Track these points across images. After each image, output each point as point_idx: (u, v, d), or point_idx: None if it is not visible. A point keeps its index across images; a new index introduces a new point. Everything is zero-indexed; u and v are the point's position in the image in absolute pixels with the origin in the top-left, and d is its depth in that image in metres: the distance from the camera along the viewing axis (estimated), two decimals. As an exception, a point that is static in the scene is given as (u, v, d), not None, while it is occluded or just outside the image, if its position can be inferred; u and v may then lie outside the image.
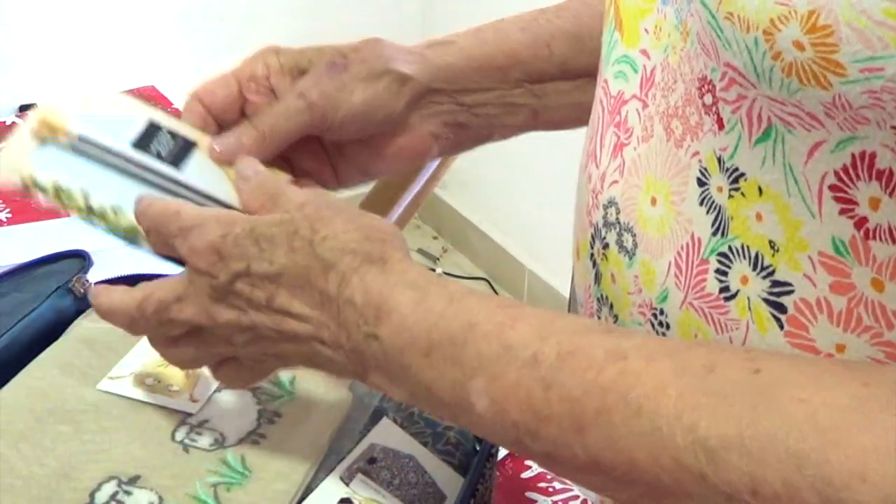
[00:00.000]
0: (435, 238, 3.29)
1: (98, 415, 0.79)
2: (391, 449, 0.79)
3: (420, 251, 3.23)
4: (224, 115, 0.86)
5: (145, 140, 0.84)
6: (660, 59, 0.70)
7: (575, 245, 0.84)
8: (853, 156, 0.58)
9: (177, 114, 0.85)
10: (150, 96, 1.51)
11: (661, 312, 0.72)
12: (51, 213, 1.25)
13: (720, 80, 0.62)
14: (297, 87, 0.85)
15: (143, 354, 0.84)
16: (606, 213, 0.76)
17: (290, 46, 0.87)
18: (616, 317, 0.76)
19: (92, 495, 0.72)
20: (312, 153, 0.90)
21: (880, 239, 0.59)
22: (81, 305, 0.89)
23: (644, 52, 0.72)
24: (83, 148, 0.80)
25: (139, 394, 0.80)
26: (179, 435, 0.77)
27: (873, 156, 0.57)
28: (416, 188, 1.76)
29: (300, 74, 0.86)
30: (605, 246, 0.77)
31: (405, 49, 0.89)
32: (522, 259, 2.99)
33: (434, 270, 3.16)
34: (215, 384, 0.81)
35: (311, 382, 0.82)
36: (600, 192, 0.77)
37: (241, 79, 0.86)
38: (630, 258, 0.74)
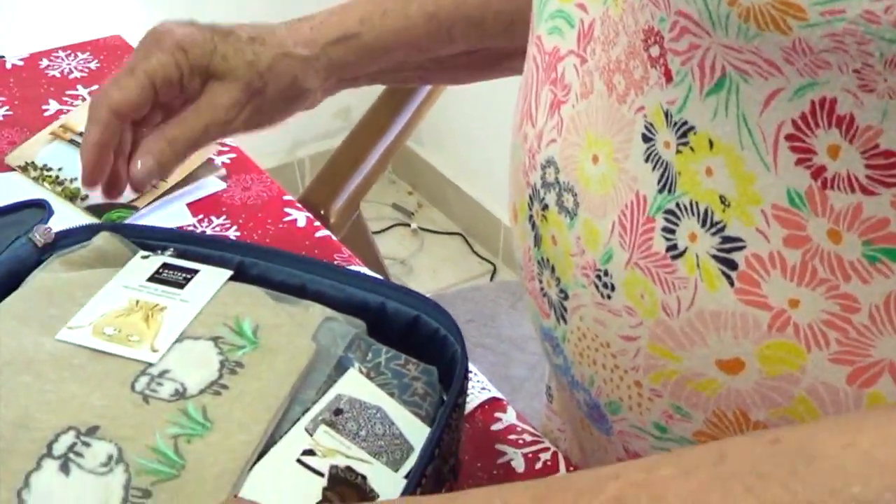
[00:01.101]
0: (410, 193, 3.28)
1: (56, 365, 0.76)
2: (358, 400, 0.77)
3: (395, 206, 3.21)
4: (139, 115, 0.89)
5: None
6: (599, 12, 0.69)
7: (512, 207, 0.82)
8: (812, 103, 0.57)
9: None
10: (116, 45, 1.49)
11: (606, 273, 0.71)
12: (9, 167, 1.23)
13: (669, 31, 0.61)
14: (219, 114, 0.88)
15: (103, 304, 0.82)
16: (545, 174, 0.75)
17: (193, 36, 0.89)
18: (558, 279, 0.75)
19: (49, 446, 0.70)
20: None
21: (838, 188, 0.59)
22: (42, 255, 0.87)
23: (581, 6, 0.71)
24: (78, 141, 1.02)
25: (99, 343, 0.78)
26: (139, 385, 0.75)
27: (833, 101, 0.57)
28: (387, 141, 1.75)
29: (210, 76, 0.89)
30: (545, 207, 0.75)
31: (312, 58, 0.92)
32: (498, 214, 2.98)
33: (409, 226, 3.16)
34: (177, 334, 0.79)
35: (274, 332, 0.80)
36: (537, 152, 0.76)
37: (155, 81, 0.87)
38: (571, 219, 0.73)
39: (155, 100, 0.88)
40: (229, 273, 0.85)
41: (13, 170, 1.21)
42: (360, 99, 2.18)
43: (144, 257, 0.86)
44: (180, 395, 0.75)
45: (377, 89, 1.73)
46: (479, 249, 3.06)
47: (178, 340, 0.79)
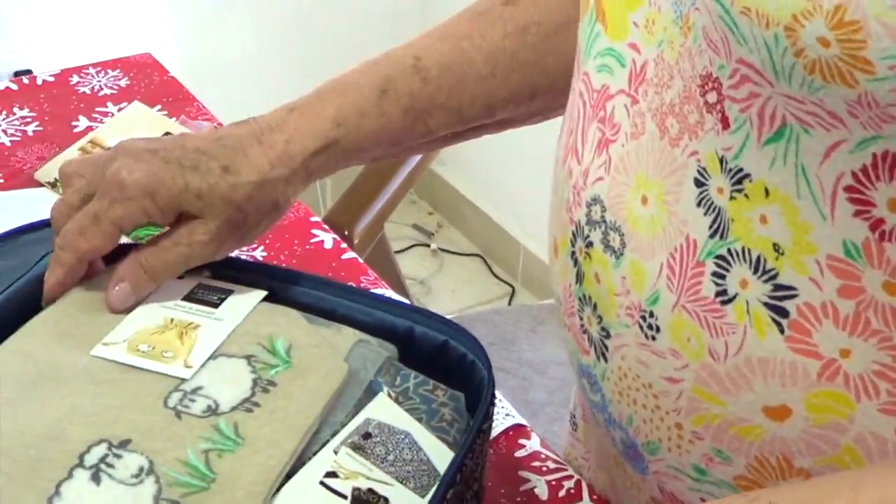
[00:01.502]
0: (430, 214, 3.28)
1: (90, 379, 0.76)
2: (387, 424, 0.77)
3: (415, 226, 3.20)
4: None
5: None
6: (653, 54, 0.68)
7: (552, 242, 0.82)
8: (874, 156, 0.57)
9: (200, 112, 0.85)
10: (146, 63, 1.49)
11: (651, 315, 0.70)
12: (38, 182, 1.24)
13: (729, 78, 0.61)
14: (196, 246, 0.83)
15: (138, 321, 0.82)
16: (590, 211, 0.75)
17: (157, 180, 0.82)
18: (600, 318, 0.75)
19: (81, 457, 0.71)
20: None
21: None
22: None
23: (633, 46, 0.71)
24: None
25: (133, 360, 0.78)
26: (172, 401, 0.75)
27: None
28: (411, 165, 1.75)
29: (182, 215, 0.83)
30: (589, 244, 0.75)
31: (291, 177, 0.86)
32: (517, 236, 2.98)
33: (429, 247, 3.16)
34: (211, 350, 0.79)
35: (307, 352, 0.80)
36: (583, 189, 0.75)
37: (123, 229, 0.82)
38: (617, 258, 0.72)
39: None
40: (263, 293, 0.85)
41: (42, 185, 1.22)
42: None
43: (180, 277, 0.86)
44: (212, 411, 0.75)
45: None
46: (499, 271, 3.06)
47: (213, 357, 0.79)
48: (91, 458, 0.71)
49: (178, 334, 0.81)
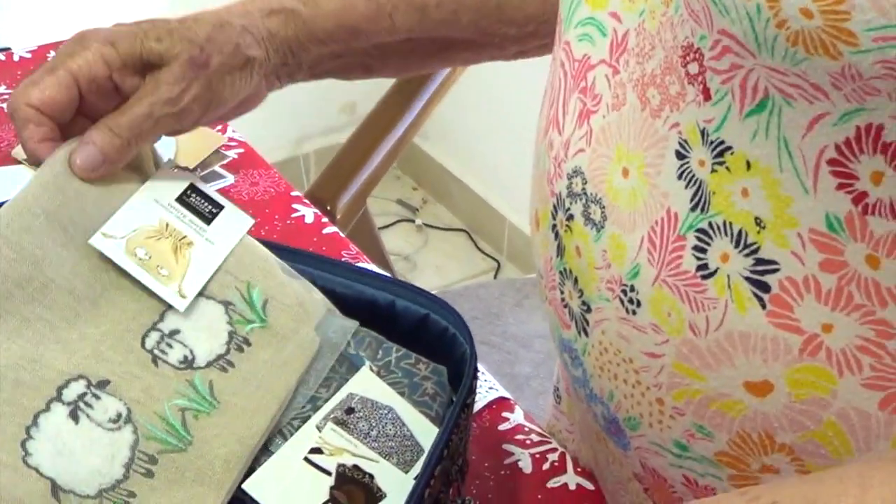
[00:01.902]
0: (415, 189, 3.26)
1: (71, 293, 0.74)
2: (370, 399, 0.77)
3: (399, 202, 3.19)
4: (63, 120, 0.79)
5: None
6: (634, 23, 0.67)
7: (533, 214, 0.81)
8: (858, 128, 0.56)
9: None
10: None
11: (632, 289, 0.70)
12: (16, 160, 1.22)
13: (710, 49, 0.60)
14: (165, 93, 0.79)
15: (135, 217, 0.79)
16: (571, 183, 0.74)
17: (119, 30, 0.80)
18: (581, 291, 0.74)
19: (59, 391, 0.71)
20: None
21: (880, 214, 0.58)
22: None
23: (614, 15, 0.70)
24: None
25: (130, 265, 0.76)
26: (150, 342, 0.75)
27: (880, 128, 0.56)
28: (394, 138, 1.74)
29: (145, 68, 0.80)
30: (570, 217, 0.74)
31: (250, 26, 0.85)
32: (503, 211, 2.97)
33: (414, 222, 3.13)
34: (203, 280, 0.78)
35: (282, 313, 0.79)
36: (564, 161, 0.74)
37: (79, 79, 0.77)
38: (598, 231, 0.71)
39: (82, 104, 0.79)
40: (252, 221, 0.84)
41: (20, 163, 1.21)
42: (366, 94, 2.16)
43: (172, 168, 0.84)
44: (188, 363, 0.75)
45: (383, 83, 1.72)
46: (484, 246, 3.05)
47: (202, 293, 0.78)
48: (69, 394, 0.71)
49: (173, 248, 0.79)
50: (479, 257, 3.03)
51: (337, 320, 0.82)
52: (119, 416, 0.71)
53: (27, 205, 0.74)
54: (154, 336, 0.75)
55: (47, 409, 0.70)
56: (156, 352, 0.75)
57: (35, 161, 0.78)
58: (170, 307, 0.76)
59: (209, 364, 0.75)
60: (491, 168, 2.99)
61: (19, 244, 0.73)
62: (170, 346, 0.75)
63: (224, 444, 0.72)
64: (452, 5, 0.91)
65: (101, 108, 0.79)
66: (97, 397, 0.71)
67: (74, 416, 0.70)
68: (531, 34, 0.94)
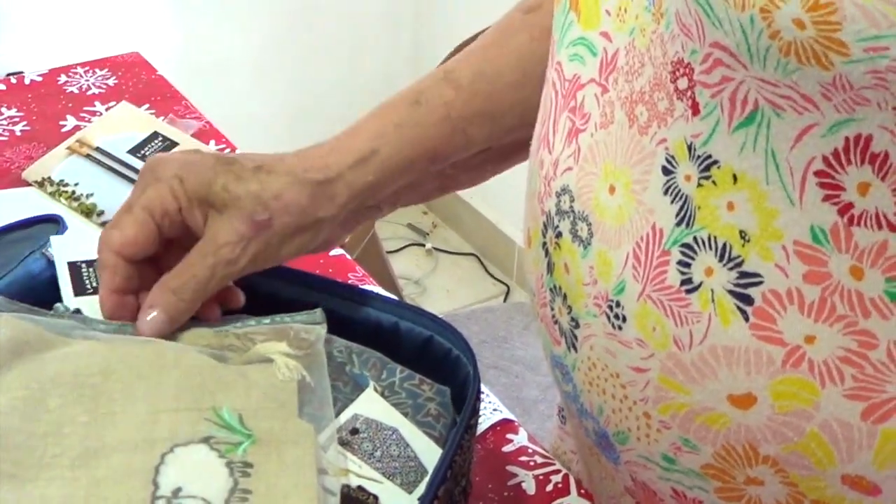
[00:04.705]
0: (425, 213, 3.26)
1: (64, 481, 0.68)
2: (374, 420, 0.76)
3: (410, 226, 3.18)
4: (147, 254, 0.79)
5: (140, 147, 1.24)
6: (624, 42, 0.67)
7: (526, 233, 0.80)
8: (846, 139, 0.55)
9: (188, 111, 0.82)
10: (134, 62, 1.48)
11: (618, 304, 0.69)
12: (26, 182, 1.21)
13: (701, 63, 0.59)
14: (223, 254, 0.77)
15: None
16: (560, 201, 0.73)
17: (190, 162, 0.79)
18: (570, 308, 0.74)
19: None
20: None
21: (865, 225, 0.57)
22: (55, 270, 0.84)
23: (605, 35, 0.69)
24: (95, 156, 1.18)
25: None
26: None
27: (869, 138, 0.55)
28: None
29: (210, 207, 0.78)
30: (558, 235, 0.74)
31: (323, 181, 0.81)
32: (512, 235, 2.97)
33: (423, 246, 3.13)
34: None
35: (261, 420, 0.74)
36: (553, 179, 0.74)
37: (154, 215, 0.77)
38: (585, 248, 0.71)
39: (162, 235, 0.79)
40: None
41: (30, 185, 1.19)
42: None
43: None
44: None
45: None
46: (494, 270, 3.05)
47: (169, 451, 0.71)
48: None
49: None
50: (489, 281, 3.02)
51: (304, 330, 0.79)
52: None
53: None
54: None
55: None
56: None
57: (102, 309, 0.79)
58: (157, 472, 0.70)
59: (228, 502, 0.69)
60: (501, 192, 2.98)
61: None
62: None
63: None
64: (520, 107, 0.89)
65: (171, 240, 0.80)
66: None
67: None
68: None
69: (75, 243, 0.85)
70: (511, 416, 0.96)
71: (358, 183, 0.82)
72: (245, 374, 0.75)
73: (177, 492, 0.68)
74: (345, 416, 0.76)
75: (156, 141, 1.26)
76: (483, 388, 0.84)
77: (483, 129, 0.88)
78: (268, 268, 0.81)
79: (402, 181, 0.86)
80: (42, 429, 0.70)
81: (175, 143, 1.26)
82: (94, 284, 0.83)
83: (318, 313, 0.80)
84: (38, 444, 0.69)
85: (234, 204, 0.77)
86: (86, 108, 1.36)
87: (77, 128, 1.31)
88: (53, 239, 0.85)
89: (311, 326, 0.79)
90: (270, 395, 0.75)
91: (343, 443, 0.74)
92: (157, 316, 0.77)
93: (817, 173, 0.57)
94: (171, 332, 0.77)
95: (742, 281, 0.62)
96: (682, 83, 0.61)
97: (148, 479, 0.69)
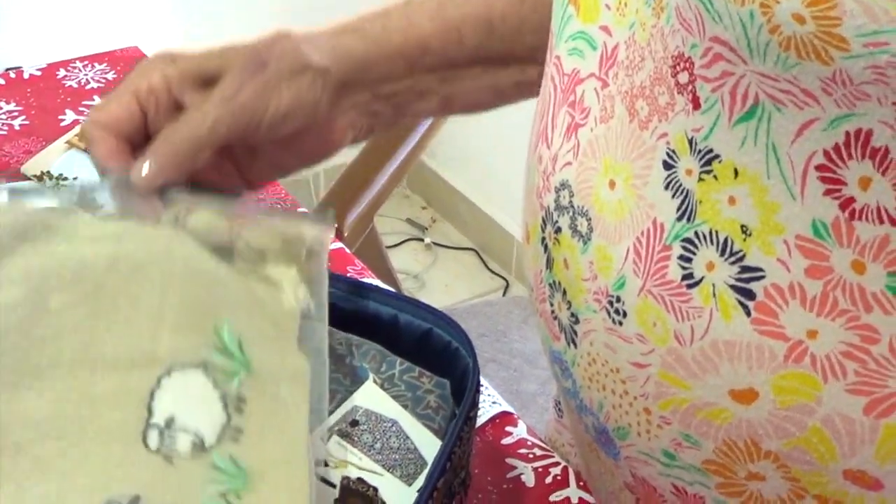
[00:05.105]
0: (424, 208, 3.26)
1: (56, 440, 0.67)
2: (374, 412, 0.76)
3: (409, 221, 3.18)
4: (132, 138, 0.76)
5: None
6: (624, 36, 0.66)
7: (524, 228, 0.80)
8: (847, 134, 0.55)
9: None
10: (133, 56, 1.48)
11: (618, 300, 0.69)
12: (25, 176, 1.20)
13: (701, 57, 0.59)
14: (219, 93, 0.76)
15: None
16: (559, 196, 0.73)
17: (183, 52, 0.78)
18: (570, 303, 0.73)
19: None
20: (211, 161, 0.79)
21: (867, 219, 0.57)
22: None
23: (605, 29, 0.69)
24: None
25: None
26: (153, 442, 0.67)
27: (869, 133, 0.54)
28: (401, 155, 1.74)
29: (205, 83, 0.77)
30: (558, 230, 0.73)
31: (314, 39, 0.82)
32: (511, 230, 2.97)
33: (422, 241, 3.12)
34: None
35: (262, 349, 0.72)
36: (552, 174, 0.74)
37: (140, 96, 0.76)
38: (584, 243, 0.71)
39: (148, 123, 0.77)
40: None
41: (29, 179, 1.19)
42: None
43: None
44: (200, 447, 0.68)
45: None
46: (493, 265, 3.05)
47: (165, 374, 0.70)
48: None
49: None
50: (488, 276, 3.02)
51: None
52: None
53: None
54: (154, 434, 0.68)
55: None
56: (164, 450, 0.67)
57: (104, 173, 0.76)
58: (152, 396, 0.69)
59: (219, 439, 0.69)
60: (499, 187, 2.99)
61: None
62: (173, 438, 0.68)
63: None
64: (516, 20, 0.89)
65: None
66: None
67: None
68: None
69: None
70: (510, 409, 0.96)
71: (343, 45, 0.82)
72: (253, 290, 0.75)
73: (170, 421, 0.68)
74: (345, 407, 0.76)
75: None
76: (482, 380, 0.84)
77: (476, 32, 0.87)
78: (278, 127, 0.79)
79: (392, 65, 0.85)
80: (40, 332, 0.68)
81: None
82: None
83: (330, 214, 0.80)
84: (36, 348, 0.68)
85: (227, 64, 0.77)
86: (85, 103, 1.36)
87: (76, 122, 1.31)
88: None
89: (318, 235, 0.78)
90: (274, 321, 0.74)
91: (343, 434, 0.74)
92: (151, 164, 0.74)
93: (818, 167, 0.57)
94: (164, 179, 0.75)
95: (744, 275, 0.62)
96: (683, 77, 0.60)
97: (142, 403, 0.68)
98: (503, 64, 0.90)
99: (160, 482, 0.66)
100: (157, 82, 0.76)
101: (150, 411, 0.69)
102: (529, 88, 0.90)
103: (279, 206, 0.79)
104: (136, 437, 0.68)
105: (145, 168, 0.74)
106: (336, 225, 1.58)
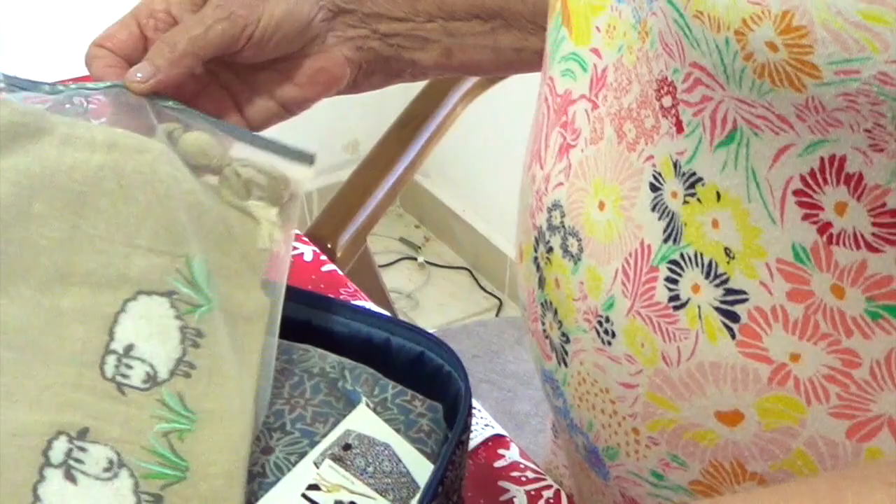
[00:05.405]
0: (417, 227, 3.24)
1: (13, 350, 0.68)
2: (367, 436, 0.75)
3: (402, 240, 3.17)
4: (130, 58, 0.77)
5: None
6: (613, 59, 0.67)
7: (518, 248, 0.81)
8: (822, 160, 0.56)
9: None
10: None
11: (607, 320, 0.69)
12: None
13: (683, 82, 0.60)
14: (216, 1, 0.77)
15: None
16: (551, 217, 0.73)
17: None
18: (560, 323, 0.74)
19: (45, 454, 0.66)
20: (213, 97, 0.82)
21: (844, 244, 0.57)
22: None
23: (595, 52, 0.69)
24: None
25: None
26: (109, 369, 0.69)
27: (843, 160, 0.55)
28: (395, 176, 1.73)
29: (203, 1, 0.79)
30: (549, 250, 0.74)
31: None
32: (505, 249, 2.96)
33: (416, 260, 3.10)
34: None
35: (226, 281, 0.73)
36: (544, 195, 0.74)
37: (139, 18, 0.78)
38: (575, 263, 0.71)
39: (148, 44, 0.78)
40: None
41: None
42: (368, 133, 2.16)
43: None
44: (152, 380, 0.70)
45: (385, 122, 1.72)
46: (486, 284, 3.04)
47: (132, 298, 0.71)
48: (56, 455, 0.66)
49: None
50: (481, 295, 3.01)
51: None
52: (111, 462, 0.67)
53: None
54: (111, 361, 0.70)
55: (42, 478, 0.65)
56: (118, 378, 0.69)
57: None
58: (115, 319, 0.70)
59: (172, 374, 0.70)
60: (493, 206, 2.98)
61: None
62: (129, 366, 0.70)
63: (218, 458, 0.69)
64: None
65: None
66: (83, 450, 0.67)
67: (70, 476, 0.66)
68: None
69: None
70: (503, 432, 0.96)
71: None
72: (230, 222, 0.75)
73: (128, 349, 0.70)
74: (337, 431, 0.76)
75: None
76: (475, 403, 0.84)
77: None
78: (276, 38, 0.80)
79: (395, 8, 0.86)
80: (20, 234, 0.69)
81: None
82: None
83: (313, 156, 0.79)
84: (14, 252, 0.69)
85: None
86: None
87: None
88: None
89: (300, 179, 0.78)
90: (245, 254, 0.74)
91: (336, 458, 0.74)
92: (146, 68, 0.75)
93: (796, 192, 0.57)
94: (162, 82, 0.75)
95: (728, 298, 0.62)
96: (667, 101, 0.61)
97: (106, 326, 0.69)
98: (504, 24, 0.90)
99: (110, 414, 0.68)
100: (158, 4, 0.79)
101: (111, 336, 0.70)
102: (530, 59, 0.90)
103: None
104: (95, 360, 0.69)
105: (142, 71, 0.75)
106: (330, 246, 1.58)
